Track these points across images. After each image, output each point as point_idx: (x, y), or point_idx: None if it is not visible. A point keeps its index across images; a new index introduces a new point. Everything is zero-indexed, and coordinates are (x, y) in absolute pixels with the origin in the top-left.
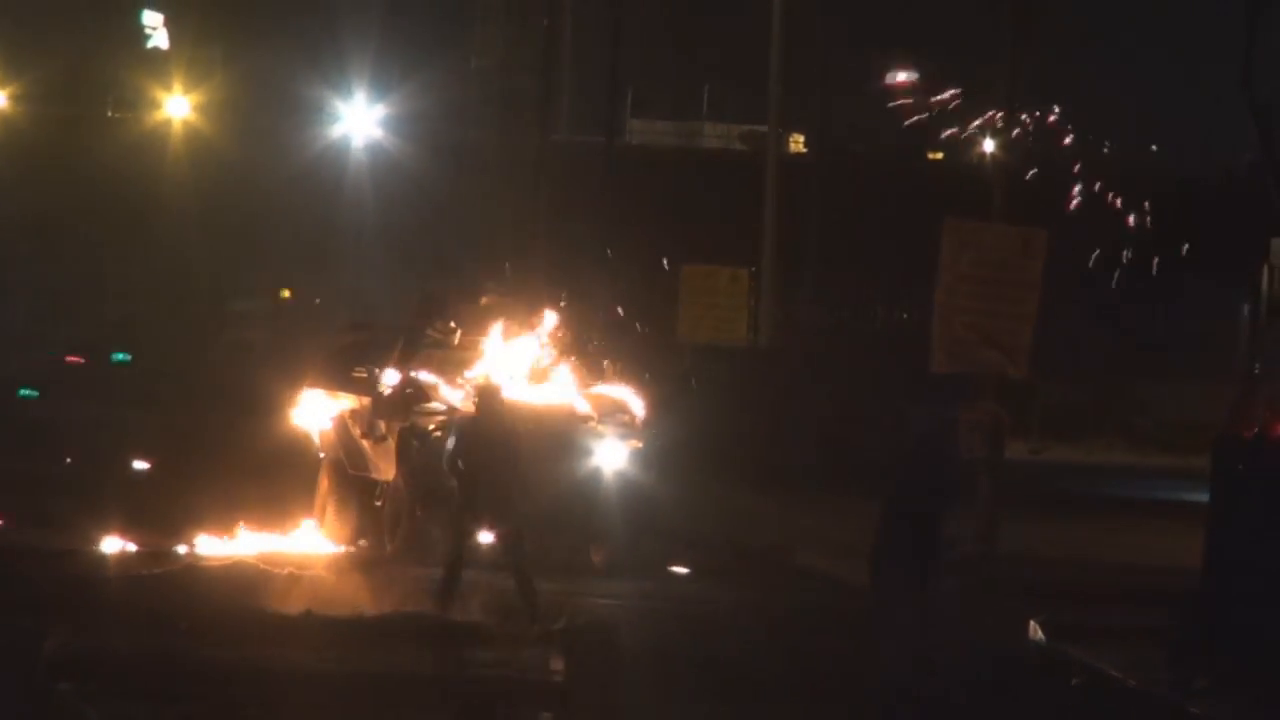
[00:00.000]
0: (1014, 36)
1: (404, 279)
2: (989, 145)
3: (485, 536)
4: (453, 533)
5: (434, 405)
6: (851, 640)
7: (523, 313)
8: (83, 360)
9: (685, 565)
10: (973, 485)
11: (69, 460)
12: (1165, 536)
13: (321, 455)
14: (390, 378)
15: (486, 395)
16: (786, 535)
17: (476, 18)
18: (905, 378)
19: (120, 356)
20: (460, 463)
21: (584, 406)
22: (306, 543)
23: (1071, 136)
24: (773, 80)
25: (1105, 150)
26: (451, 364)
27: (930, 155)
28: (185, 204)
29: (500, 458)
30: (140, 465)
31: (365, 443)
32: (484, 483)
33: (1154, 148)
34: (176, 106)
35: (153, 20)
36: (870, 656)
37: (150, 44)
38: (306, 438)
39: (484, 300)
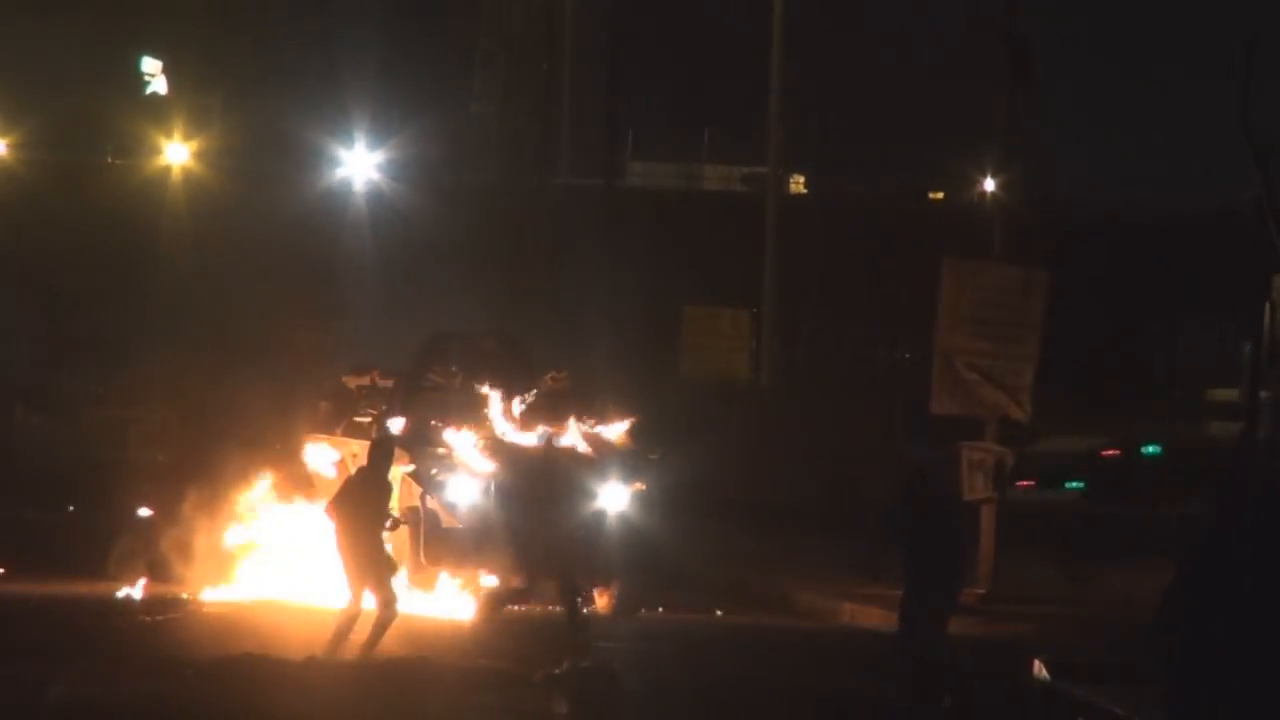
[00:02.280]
0: (1011, 73)
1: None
2: (989, 184)
3: (488, 579)
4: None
5: (437, 449)
6: (852, 677)
7: (524, 356)
8: None
9: (687, 606)
10: (975, 525)
11: (71, 508)
12: None
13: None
14: (393, 422)
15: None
16: (788, 575)
17: (476, 62)
18: (906, 418)
19: None
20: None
21: (586, 448)
22: (311, 587)
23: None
24: (772, 122)
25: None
26: (453, 408)
27: (931, 195)
28: (184, 251)
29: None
30: (144, 512)
31: None
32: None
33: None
34: (176, 153)
35: (151, 67)
36: (870, 692)
37: (149, 90)
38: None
39: (487, 345)
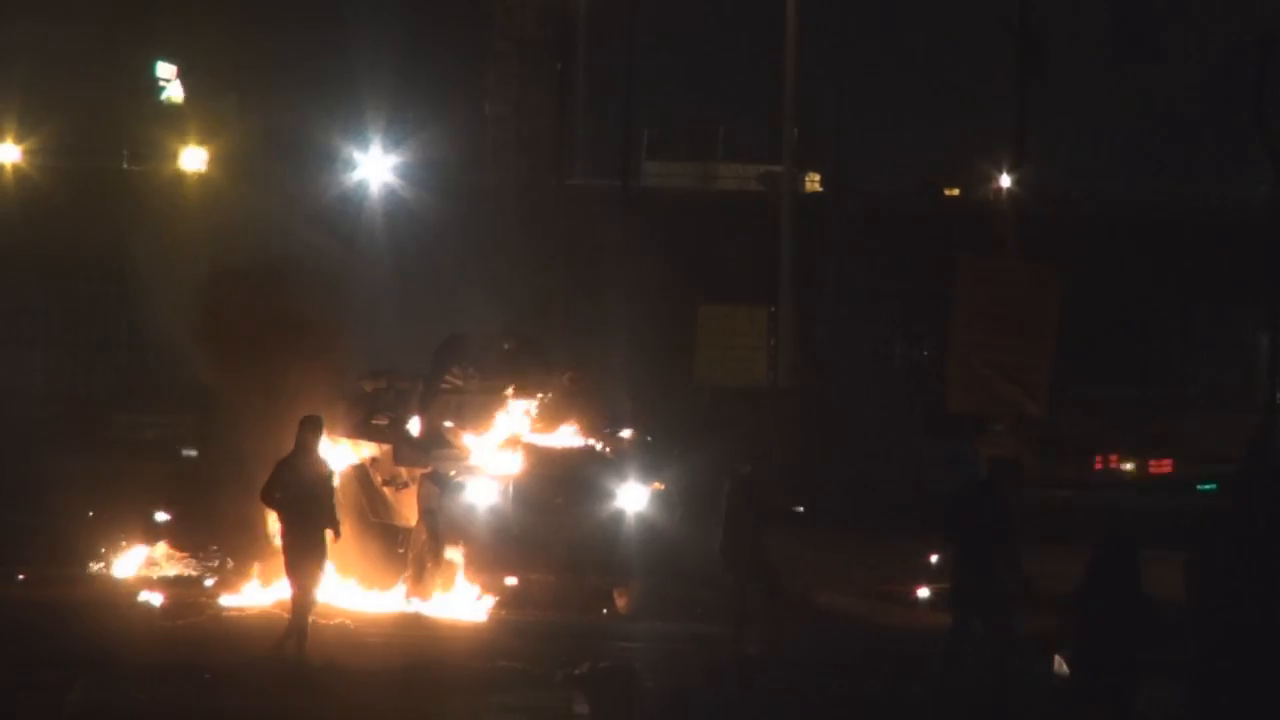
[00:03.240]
0: (1023, 71)
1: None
2: (1005, 180)
3: (510, 580)
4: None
5: (455, 451)
6: (872, 676)
7: (541, 357)
8: None
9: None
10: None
11: (91, 514)
12: None
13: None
14: (411, 425)
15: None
16: (807, 575)
17: (490, 63)
18: (924, 416)
19: None
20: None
21: (605, 448)
22: (329, 591)
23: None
24: (787, 121)
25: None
26: (471, 409)
27: (946, 191)
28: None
29: None
30: (162, 517)
31: (387, 490)
32: None
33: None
34: (192, 158)
35: (166, 72)
36: (894, 695)
37: (164, 96)
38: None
39: (505, 346)
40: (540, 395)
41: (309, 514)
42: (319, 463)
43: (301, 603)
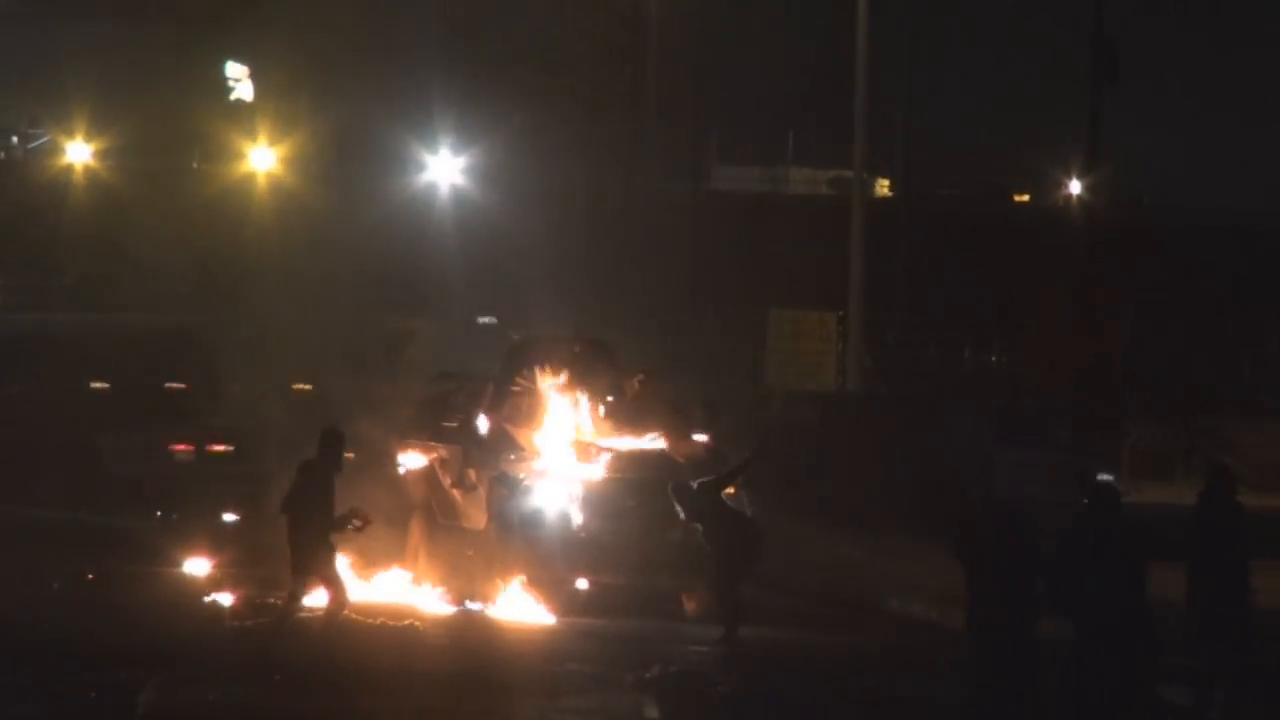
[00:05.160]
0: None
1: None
2: (1075, 187)
3: (581, 582)
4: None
5: (526, 454)
6: (943, 686)
7: (611, 359)
8: None
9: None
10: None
11: (158, 514)
12: None
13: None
14: (480, 427)
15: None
16: (878, 581)
17: (561, 65)
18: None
19: None
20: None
21: (676, 453)
22: (398, 593)
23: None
24: (858, 124)
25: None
26: (541, 412)
27: (1016, 197)
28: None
29: None
30: (230, 517)
31: (456, 492)
32: None
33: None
34: (261, 159)
35: (236, 72)
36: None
37: (233, 96)
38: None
39: (575, 348)
40: (610, 398)
41: (313, 521)
42: (331, 477)
43: (333, 603)
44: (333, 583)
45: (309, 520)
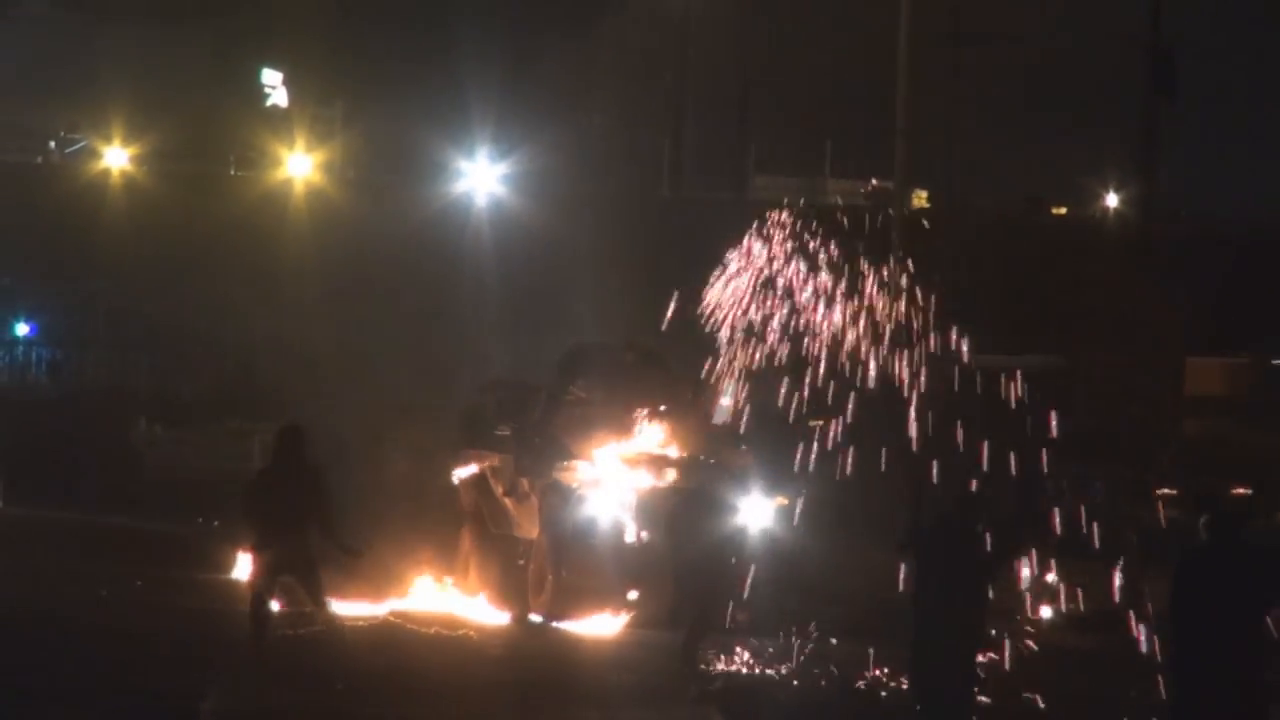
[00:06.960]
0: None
1: (528, 337)
2: (1112, 199)
3: (633, 593)
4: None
5: (580, 464)
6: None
7: (664, 369)
8: None
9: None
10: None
11: (200, 520)
12: None
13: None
14: (533, 435)
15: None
16: None
17: (598, 74)
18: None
19: None
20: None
21: (727, 462)
22: (450, 602)
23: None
24: (898, 136)
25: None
26: (594, 422)
27: (1054, 210)
28: (307, 263)
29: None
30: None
31: (508, 501)
32: None
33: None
34: (298, 165)
35: (272, 79)
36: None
37: (269, 102)
38: (452, 494)
39: (628, 357)
40: (663, 408)
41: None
42: (304, 474)
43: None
44: (314, 590)
45: (285, 522)
